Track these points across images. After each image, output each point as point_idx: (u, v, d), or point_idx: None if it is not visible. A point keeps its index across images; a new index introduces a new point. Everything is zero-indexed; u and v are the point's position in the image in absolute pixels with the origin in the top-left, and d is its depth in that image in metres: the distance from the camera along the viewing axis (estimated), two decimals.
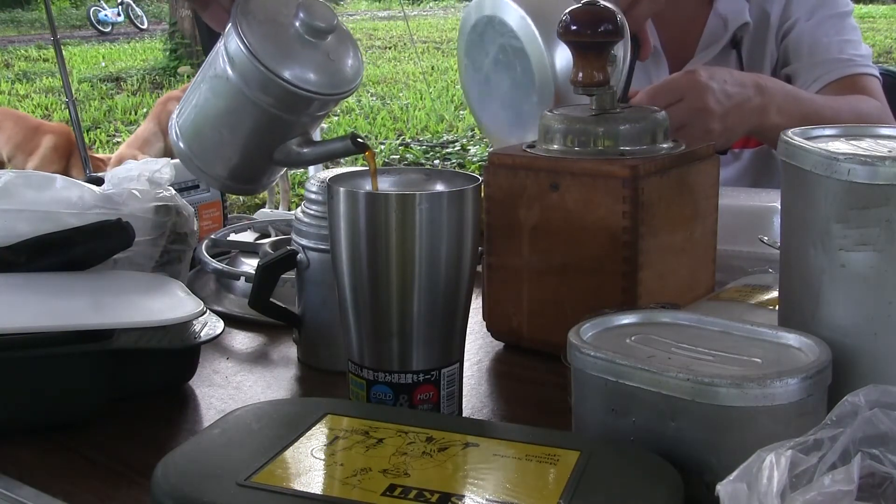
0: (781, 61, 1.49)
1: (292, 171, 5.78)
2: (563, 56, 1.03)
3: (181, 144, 0.92)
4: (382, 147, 6.88)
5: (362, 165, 0.83)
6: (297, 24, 0.86)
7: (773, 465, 0.49)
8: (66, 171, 4.35)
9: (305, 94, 0.85)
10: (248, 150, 0.90)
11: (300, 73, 0.85)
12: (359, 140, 0.85)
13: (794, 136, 0.71)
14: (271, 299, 0.92)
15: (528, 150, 0.95)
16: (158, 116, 5.07)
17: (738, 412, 0.61)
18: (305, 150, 0.89)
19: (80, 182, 1.02)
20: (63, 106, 7.13)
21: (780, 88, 1.26)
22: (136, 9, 14.78)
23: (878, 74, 1.46)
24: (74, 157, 4.68)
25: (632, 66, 1.25)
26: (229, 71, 0.85)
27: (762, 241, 1.02)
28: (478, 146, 6.86)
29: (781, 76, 1.49)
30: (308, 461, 0.63)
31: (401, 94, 8.99)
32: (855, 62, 1.43)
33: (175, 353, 0.87)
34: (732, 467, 0.50)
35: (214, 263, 1.14)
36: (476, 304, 0.96)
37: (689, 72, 1.17)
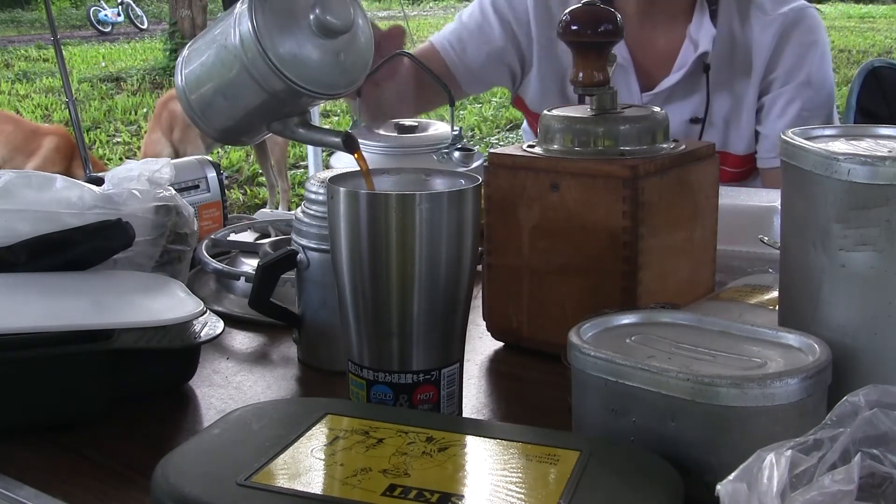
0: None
1: (292, 171, 5.78)
2: None
3: (183, 87, 0.92)
4: None
5: None
6: (312, 18, 0.85)
7: (773, 465, 0.49)
8: (68, 172, 4.35)
9: (304, 91, 0.85)
10: (246, 117, 0.90)
11: (302, 70, 0.84)
12: (351, 141, 0.85)
13: (794, 136, 0.71)
14: (271, 299, 0.92)
15: (529, 150, 0.95)
16: (159, 118, 5.07)
17: (738, 412, 0.61)
18: (300, 130, 0.90)
19: (80, 182, 1.02)
20: (63, 106, 7.12)
21: None
22: (136, 9, 14.78)
23: None
24: (76, 158, 4.68)
25: None
26: (239, 47, 0.85)
27: (762, 241, 1.02)
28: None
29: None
30: (308, 461, 0.63)
31: None
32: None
33: (175, 353, 0.87)
34: (732, 467, 0.50)
35: (214, 263, 1.14)
36: (476, 304, 0.96)
37: None
